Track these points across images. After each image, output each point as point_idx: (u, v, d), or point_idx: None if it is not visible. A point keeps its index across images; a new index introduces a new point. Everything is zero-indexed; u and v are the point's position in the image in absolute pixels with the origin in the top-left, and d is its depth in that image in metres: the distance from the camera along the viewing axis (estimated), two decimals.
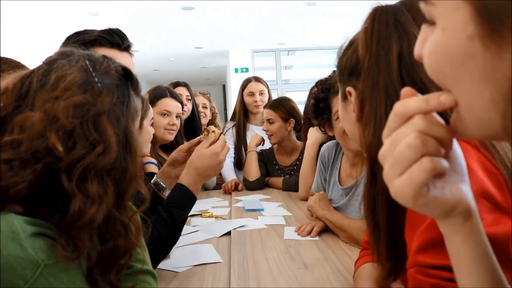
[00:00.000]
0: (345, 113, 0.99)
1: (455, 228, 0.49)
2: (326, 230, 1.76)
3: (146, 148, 2.00)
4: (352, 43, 0.93)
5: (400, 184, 0.45)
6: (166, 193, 1.55)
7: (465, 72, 0.42)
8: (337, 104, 1.73)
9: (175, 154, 1.63)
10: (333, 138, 2.50)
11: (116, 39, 1.41)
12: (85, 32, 1.40)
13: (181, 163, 1.61)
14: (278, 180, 2.86)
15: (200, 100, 3.32)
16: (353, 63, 0.91)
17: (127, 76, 0.88)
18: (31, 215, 0.70)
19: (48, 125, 0.73)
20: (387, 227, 0.76)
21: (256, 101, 3.21)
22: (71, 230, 0.71)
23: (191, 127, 2.99)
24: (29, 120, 0.73)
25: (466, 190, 0.49)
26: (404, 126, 0.46)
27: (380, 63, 0.74)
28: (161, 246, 1.32)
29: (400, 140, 0.45)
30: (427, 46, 0.46)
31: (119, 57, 1.35)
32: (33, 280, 0.65)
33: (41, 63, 0.84)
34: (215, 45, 9.11)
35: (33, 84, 0.78)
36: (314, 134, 2.50)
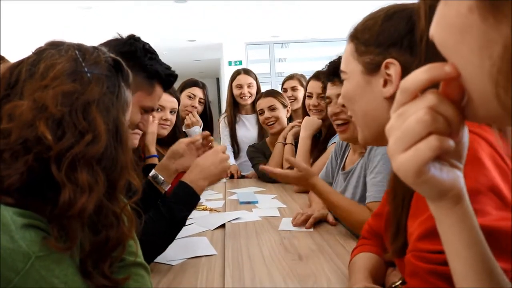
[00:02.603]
0: (367, 87, 0.94)
1: (445, 212, 0.50)
2: (320, 221, 1.77)
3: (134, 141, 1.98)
4: (393, 15, 0.92)
5: (404, 159, 0.45)
6: (165, 187, 1.55)
7: (465, 43, 0.42)
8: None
9: (176, 145, 1.64)
10: (329, 131, 2.50)
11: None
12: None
13: (181, 155, 1.62)
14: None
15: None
16: (401, 34, 0.89)
17: (117, 68, 0.87)
18: (22, 207, 0.69)
19: (37, 113, 0.73)
20: (410, 197, 0.77)
21: (243, 93, 3.21)
22: (63, 220, 0.71)
23: (204, 129, 2.93)
24: (18, 108, 0.73)
25: (460, 175, 0.49)
26: (414, 101, 0.46)
27: None
28: (158, 241, 1.32)
29: (409, 114, 0.45)
30: (433, 20, 0.46)
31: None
32: (24, 272, 0.65)
33: (30, 53, 0.83)
34: (208, 38, 9.07)
35: (22, 73, 0.78)
36: (307, 127, 2.51)
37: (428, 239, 0.70)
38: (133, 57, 1.30)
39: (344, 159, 1.95)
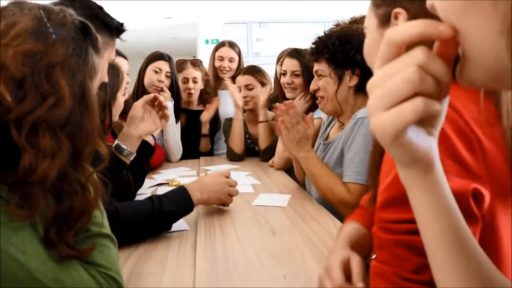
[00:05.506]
0: (380, 41, 0.92)
1: (415, 180, 0.47)
2: (295, 197, 1.77)
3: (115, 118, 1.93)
4: None
5: (384, 118, 0.41)
6: (129, 157, 1.51)
7: (476, 4, 0.39)
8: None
9: (132, 111, 1.62)
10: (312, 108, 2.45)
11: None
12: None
13: (141, 119, 1.60)
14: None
15: (191, 75, 2.97)
16: None
17: (85, 31, 0.83)
18: None
19: None
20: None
21: (223, 67, 3.13)
22: (24, 186, 0.68)
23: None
24: None
25: (434, 144, 0.46)
26: (402, 57, 0.42)
27: None
28: (138, 226, 1.32)
29: (395, 72, 0.41)
30: None
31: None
32: None
33: None
34: (185, 15, 8.93)
35: None
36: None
37: (390, 208, 0.69)
38: (95, 18, 1.32)
39: (329, 129, 1.94)
